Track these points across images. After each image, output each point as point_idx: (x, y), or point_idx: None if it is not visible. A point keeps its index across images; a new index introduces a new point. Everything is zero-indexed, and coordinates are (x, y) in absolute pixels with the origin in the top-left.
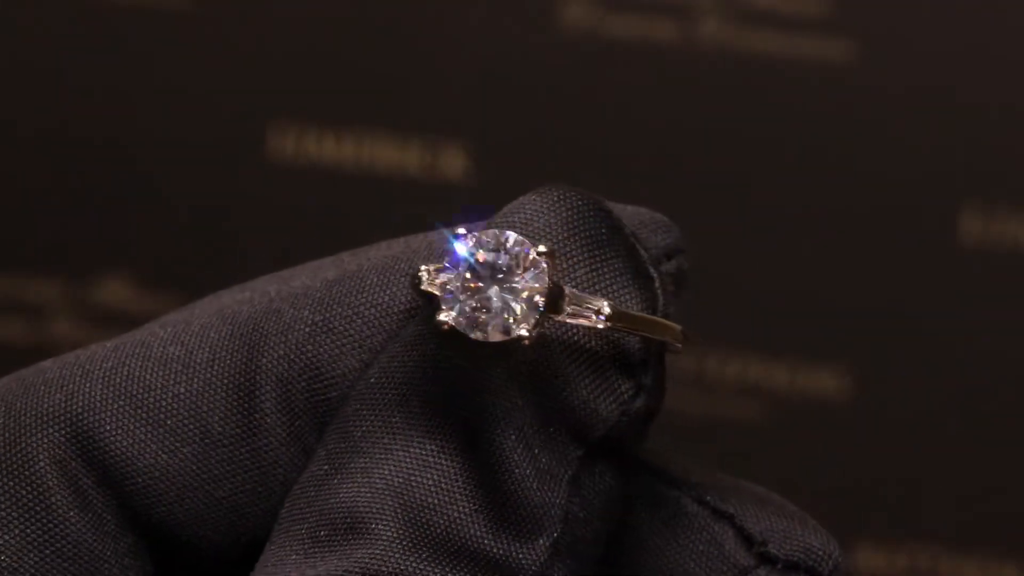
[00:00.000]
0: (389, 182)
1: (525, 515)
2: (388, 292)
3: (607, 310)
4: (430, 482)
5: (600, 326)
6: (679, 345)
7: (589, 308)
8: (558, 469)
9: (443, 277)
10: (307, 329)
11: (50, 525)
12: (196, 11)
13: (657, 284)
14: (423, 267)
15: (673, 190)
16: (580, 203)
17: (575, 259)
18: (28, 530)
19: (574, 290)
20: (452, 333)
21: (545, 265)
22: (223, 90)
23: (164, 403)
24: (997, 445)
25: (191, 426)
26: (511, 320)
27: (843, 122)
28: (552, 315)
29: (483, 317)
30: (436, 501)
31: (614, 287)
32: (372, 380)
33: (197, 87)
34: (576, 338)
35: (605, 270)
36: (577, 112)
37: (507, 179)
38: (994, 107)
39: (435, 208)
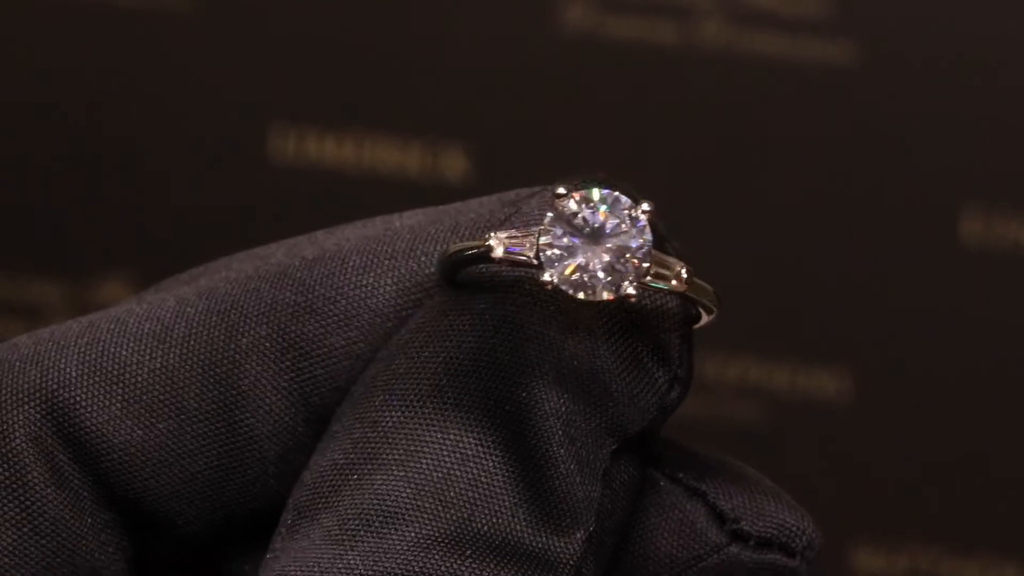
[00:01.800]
0: (390, 183)
1: (566, 510)
2: (372, 273)
3: (685, 274)
4: (470, 476)
5: (681, 289)
6: (716, 319)
7: (669, 271)
8: (595, 463)
9: (544, 239)
10: (289, 310)
11: (27, 503)
12: (197, 12)
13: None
14: (492, 235)
15: (673, 191)
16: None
17: None
18: (4, 508)
19: (656, 251)
20: (555, 295)
21: (648, 224)
22: (223, 91)
23: (139, 378)
24: (997, 445)
25: (166, 401)
26: (615, 279)
27: (844, 123)
28: (647, 276)
29: (587, 277)
30: (476, 496)
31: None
32: (400, 370)
33: (197, 88)
34: (621, 334)
35: None
36: (577, 113)
37: (508, 180)
38: (995, 108)
39: None
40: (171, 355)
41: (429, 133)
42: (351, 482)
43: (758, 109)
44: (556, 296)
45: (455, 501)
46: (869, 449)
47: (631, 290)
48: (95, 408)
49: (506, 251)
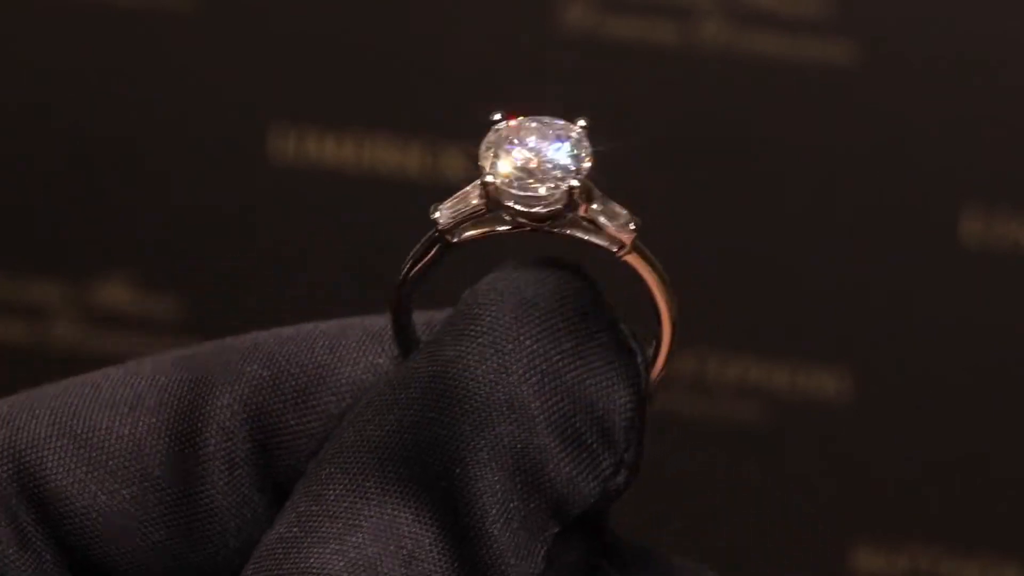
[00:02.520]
0: (390, 183)
1: None
2: (336, 356)
3: (634, 226)
4: (404, 552)
5: (624, 236)
6: (671, 311)
7: (619, 216)
8: (534, 544)
9: (483, 150)
10: (254, 383)
11: None
12: (197, 12)
13: (640, 360)
14: (435, 209)
15: (673, 191)
16: (567, 273)
17: (562, 331)
18: None
19: (602, 194)
20: (484, 375)
21: (582, 136)
22: (223, 91)
23: (107, 443)
24: (997, 445)
25: (131, 468)
26: (566, 169)
27: (844, 123)
28: (588, 203)
29: (534, 166)
30: (409, 572)
31: (599, 362)
32: (347, 442)
33: (197, 88)
34: (563, 416)
35: (591, 343)
36: (577, 113)
37: None
38: (995, 107)
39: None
40: (140, 423)
41: (429, 133)
42: (292, 554)
43: (758, 109)
44: (496, 353)
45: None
46: (869, 449)
47: (575, 182)
48: (61, 470)
49: (449, 211)
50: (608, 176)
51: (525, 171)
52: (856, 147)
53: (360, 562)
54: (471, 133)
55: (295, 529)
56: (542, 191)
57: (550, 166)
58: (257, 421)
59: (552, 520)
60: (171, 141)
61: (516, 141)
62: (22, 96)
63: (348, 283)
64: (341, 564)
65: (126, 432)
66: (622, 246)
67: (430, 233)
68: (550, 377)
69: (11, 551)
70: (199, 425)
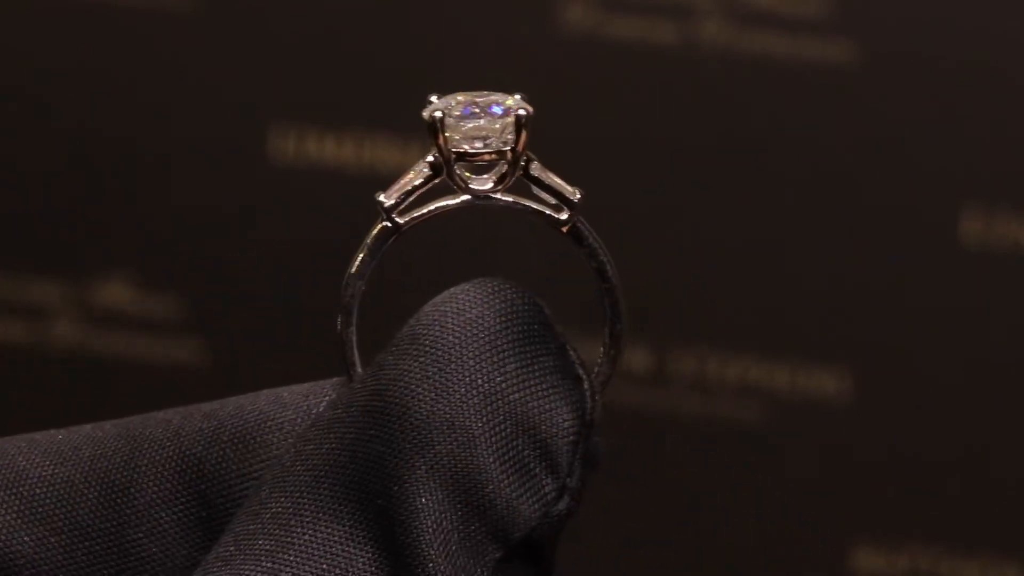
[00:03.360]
0: (390, 183)
1: None
2: (277, 407)
3: (578, 195)
4: (337, 570)
5: (576, 198)
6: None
7: (564, 188)
8: (474, 568)
9: (435, 107)
10: (195, 436)
11: None
12: (197, 12)
13: (586, 387)
14: (380, 194)
15: (673, 191)
16: (514, 296)
17: (505, 352)
18: None
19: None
20: (423, 394)
21: (523, 109)
22: (223, 91)
23: (39, 491)
24: (997, 445)
25: (62, 515)
26: (500, 136)
27: (844, 123)
28: (530, 159)
29: (483, 134)
30: None
31: (543, 385)
32: (287, 463)
33: (197, 88)
34: (503, 437)
35: (536, 366)
36: (577, 113)
37: None
38: (995, 107)
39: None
40: (75, 472)
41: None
42: (225, 573)
43: (758, 109)
44: (438, 372)
45: None
46: (869, 449)
47: (508, 148)
48: None
49: (398, 191)
50: (608, 177)
51: (470, 107)
52: (856, 147)
53: None
54: None
55: (231, 548)
56: (488, 123)
57: (494, 100)
58: (196, 471)
59: (493, 544)
60: (171, 141)
61: (458, 95)
62: (22, 96)
63: None
64: None
65: (59, 481)
66: (572, 208)
67: (377, 222)
68: (492, 398)
69: None
70: (135, 476)
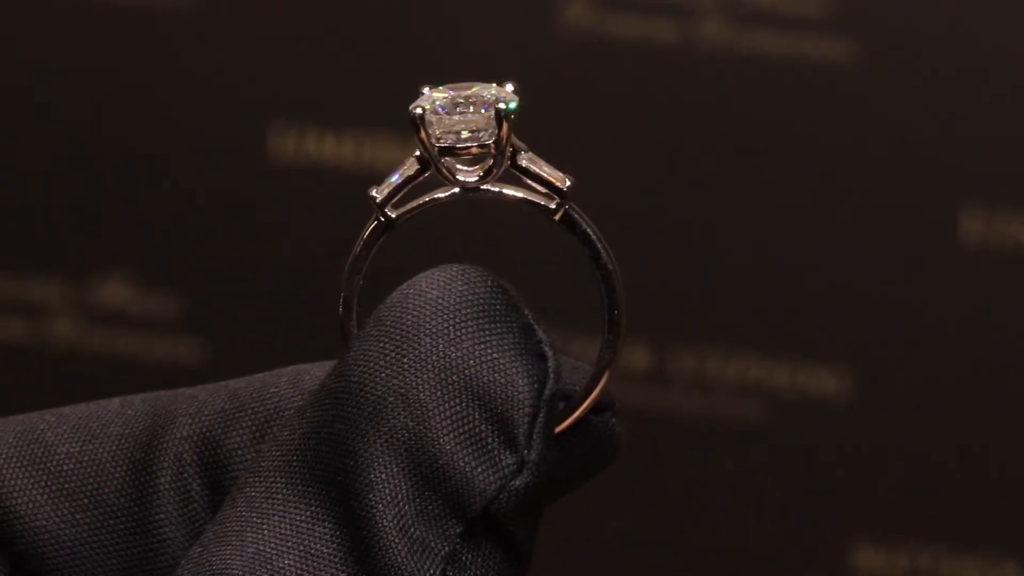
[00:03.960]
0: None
1: None
2: (298, 388)
3: (568, 182)
4: (300, 548)
5: (562, 184)
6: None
7: (553, 176)
8: (434, 543)
9: (422, 103)
10: (216, 416)
11: None
12: (197, 11)
13: (551, 364)
14: (372, 189)
15: (673, 190)
16: (477, 277)
17: (462, 329)
18: None
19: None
20: (383, 370)
21: (513, 95)
22: (223, 90)
23: (67, 468)
24: (997, 445)
25: (89, 493)
26: (491, 98)
27: (843, 122)
28: (518, 150)
29: (459, 130)
30: (304, 568)
31: (501, 360)
32: (264, 448)
33: (197, 87)
34: (458, 410)
35: (495, 343)
36: (577, 112)
37: (507, 179)
38: (995, 107)
39: (435, 208)
40: (102, 450)
41: None
42: (201, 558)
43: (758, 108)
44: (395, 349)
45: (283, 573)
46: (869, 449)
47: (490, 141)
48: (17, 490)
49: (388, 187)
50: (608, 176)
51: (453, 102)
52: (856, 146)
53: (257, 558)
54: None
55: (210, 534)
56: (472, 116)
57: (479, 92)
58: (213, 456)
59: (452, 518)
60: (171, 140)
61: (442, 88)
62: (22, 96)
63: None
64: (239, 562)
65: (86, 459)
66: (562, 196)
67: (371, 218)
68: (447, 372)
69: None
70: (156, 456)
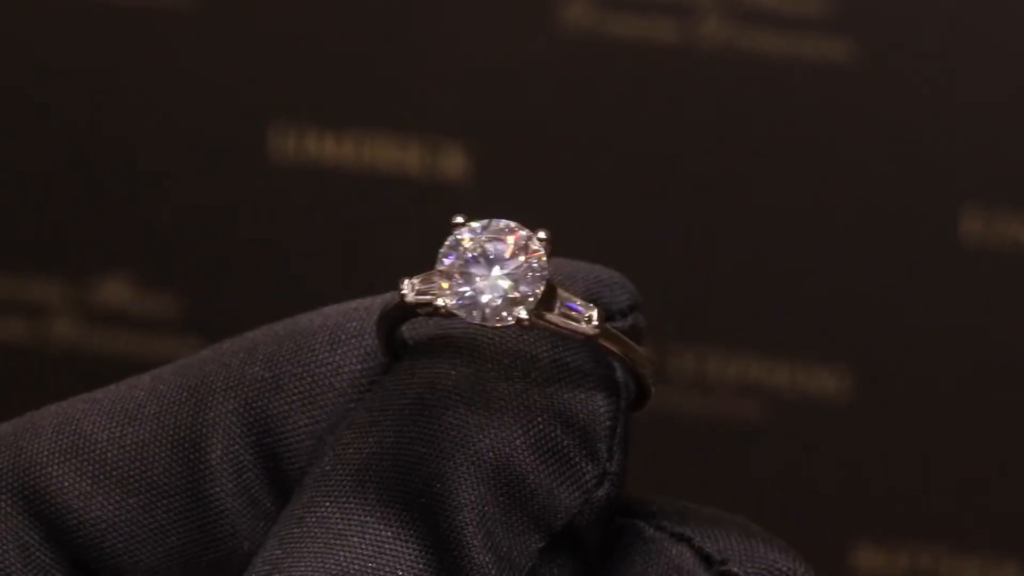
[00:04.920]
0: (389, 182)
1: None
2: (338, 352)
3: (596, 319)
4: (386, 568)
5: (589, 332)
6: (652, 384)
7: (580, 313)
8: (518, 559)
9: (437, 267)
10: (256, 385)
11: None
12: (196, 11)
13: (619, 370)
14: (405, 281)
15: (673, 190)
16: None
17: (538, 346)
18: None
19: (565, 292)
20: (461, 389)
21: (544, 250)
22: (223, 90)
23: (111, 455)
24: (997, 445)
25: (137, 477)
26: (508, 304)
27: (843, 122)
28: (547, 311)
29: (482, 299)
30: None
31: (577, 373)
32: (327, 467)
33: (197, 87)
34: (540, 427)
35: (568, 356)
36: (577, 112)
37: (507, 179)
38: (995, 107)
39: (435, 208)
40: (142, 431)
41: (428, 132)
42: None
43: (758, 108)
44: (474, 371)
45: None
46: (869, 449)
47: (523, 314)
48: (65, 485)
49: (416, 294)
50: (608, 176)
51: (470, 308)
52: (856, 146)
53: None
54: (471, 132)
55: (277, 552)
56: (490, 323)
57: (493, 303)
58: (262, 425)
59: (536, 534)
60: (171, 140)
61: (459, 279)
62: (22, 96)
63: (348, 281)
64: None
65: (128, 442)
66: (591, 337)
67: (396, 302)
68: (527, 392)
69: (16, 570)
70: (203, 431)
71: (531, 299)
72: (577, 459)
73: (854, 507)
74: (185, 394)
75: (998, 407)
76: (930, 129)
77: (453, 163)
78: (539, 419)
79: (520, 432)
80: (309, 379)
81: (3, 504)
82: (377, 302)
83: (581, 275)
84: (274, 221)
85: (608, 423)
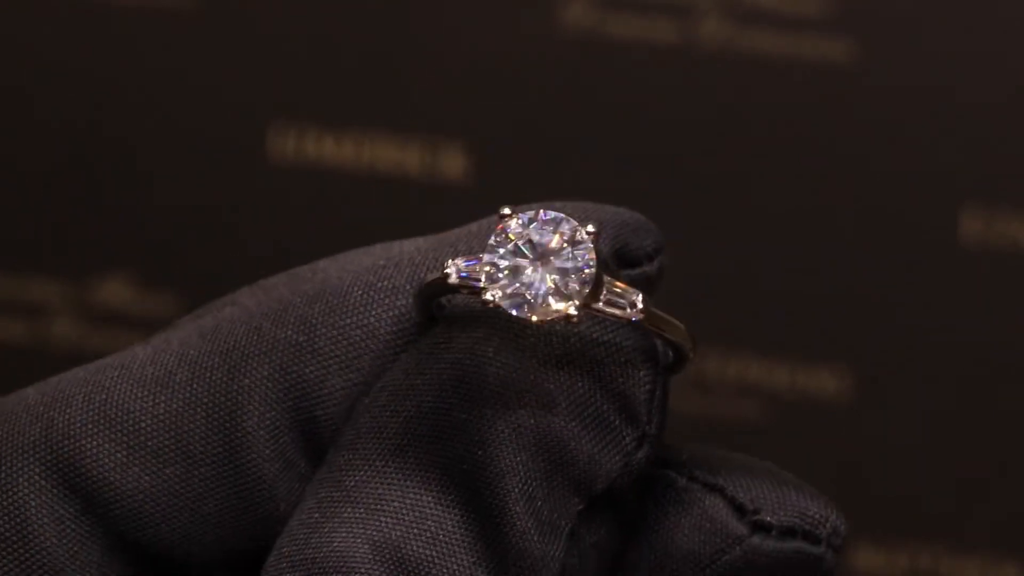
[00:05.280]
0: (389, 182)
1: (524, 568)
2: (373, 312)
3: (640, 304)
4: (428, 534)
5: (634, 318)
6: (692, 356)
7: (623, 299)
8: (559, 521)
9: (486, 258)
10: (291, 350)
11: (26, 556)
12: (196, 11)
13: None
14: (450, 262)
15: (673, 190)
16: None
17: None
18: (5, 561)
19: (608, 277)
20: (496, 312)
21: (592, 244)
22: (223, 90)
23: (144, 424)
24: (997, 445)
25: (172, 446)
26: (556, 300)
27: (843, 122)
28: (593, 300)
29: (528, 295)
30: (434, 554)
31: (617, 338)
32: (364, 430)
33: (197, 87)
34: (581, 393)
35: (608, 320)
36: (577, 112)
37: (507, 179)
38: (994, 107)
39: (435, 208)
40: (175, 400)
41: (428, 132)
42: (315, 539)
43: (758, 108)
44: (512, 338)
45: (412, 558)
46: (869, 449)
47: (572, 311)
48: (101, 456)
49: (459, 277)
50: (607, 176)
51: (518, 303)
52: (856, 146)
53: (385, 544)
54: (470, 132)
55: (316, 515)
56: (535, 319)
57: (541, 297)
58: (298, 390)
59: (575, 497)
60: (171, 141)
61: (507, 271)
62: (22, 96)
63: None
64: (366, 547)
65: (161, 411)
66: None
67: (438, 280)
68: (568, 359)
69: (51, 543)
70: (238, 399)
71: (579, 294)
72: (617, 424)
73: (854, 507)
74: (217, 360)
75: (998, 407)
76: (930, 129)
77: (453, 163)
78: (579, 384)
79: (561, 399)
80: (344, 342)
81: (36, 477)
82: (405, 258)
83: (609, 220)
84: (274, 221)
85: (647, 387)
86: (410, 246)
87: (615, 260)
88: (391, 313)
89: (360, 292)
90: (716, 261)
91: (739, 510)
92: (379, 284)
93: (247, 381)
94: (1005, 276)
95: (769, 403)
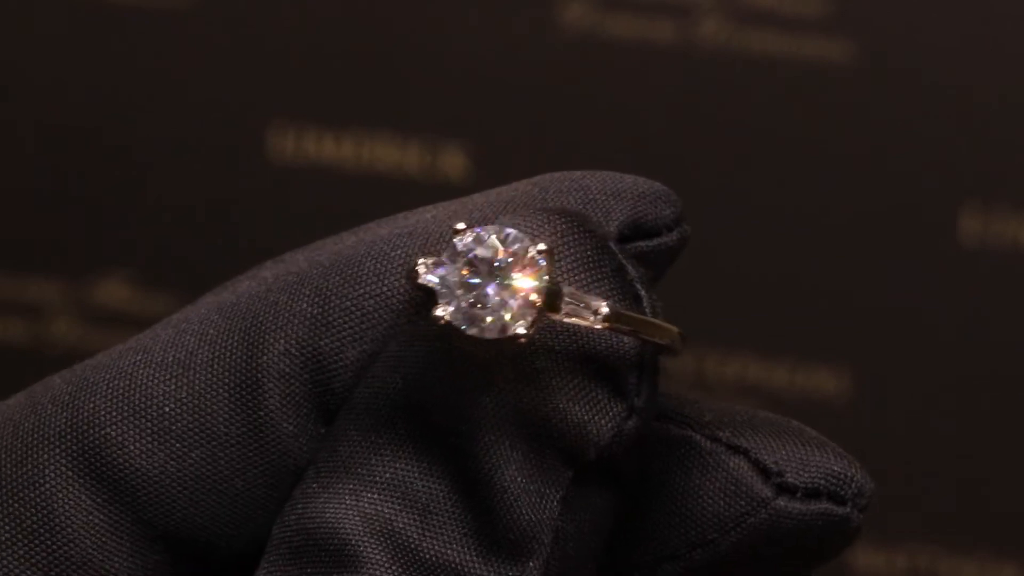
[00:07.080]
0: (389, 182)
1: (515, 536)
2: (386, 282)
3: (604, 310)
4: (418, 505)
5: (598, 326)
6: (677, 350)
7: (587, 308)
8: (548, 489)
9: (441, 271)
10: (306, 323)
11: (55, 549)
12: (196, 10)
13: (646, 304)
14: (421, 260)
15: (672, 189)
16: (564, 227)
17: (561, 282)
18: (33, 553)
19: (572, 289)
20: (447, 330)
21: (544, 263)
22: (223, 90)
23: (168, 409)
24: (997, 445)
25: (196, 429)
26: (508, 317)
27: (843, 122)
28: (550, 313)
29: (480, 313)
30: (424, 525)
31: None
32: (360, 398)
33: (197, 87)
34: (568, 359)
35: (593, 291)
36: (577, 112)
37: (507, 179)
38: (994, 107)
39: None
40: (197, 382)
41: (428, 132)
42: (310, 510)
43: (757, 108)
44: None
45: (402, 530)
46: (869, 449)
47: (519, 330)
48: (126, 444)
49: (425, 280)
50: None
51: (467, 321)
52: (856, 146)
53: (376, 518)
54: (470, 132)
55: (314, 484)
56: (488, 336)
57: (490, 319)
58: (315, 362)
59: (564, 466)
60: (171, 140)
61: (459, 289)
62: (21, 95)
63: None
64: (357, 520)
65: (184, 394)
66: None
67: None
68: (551, 330)
69: (79, 533)
70: (258, 376)
71: (529, 317)
72: (604, 398)
73: None
74: (236, 338)
75: (998, 407)
76: (929, 129)
77: (453, 163)
78: (565, 359)
79: (546, 374)
80: (358, 312)
81: (63, 468)
82: (420, 227)
83: (626, 191)
84: (274, 221)
85: (634, 362)
86: (428, 214)
87: (633, 232)
88: (404, 283)
89: (372, 263)
90: (716, 261)
91: (764, 472)
92: (392, 254)
93: (265, 358)
94: (1004, 275)
95: (769, 403)
